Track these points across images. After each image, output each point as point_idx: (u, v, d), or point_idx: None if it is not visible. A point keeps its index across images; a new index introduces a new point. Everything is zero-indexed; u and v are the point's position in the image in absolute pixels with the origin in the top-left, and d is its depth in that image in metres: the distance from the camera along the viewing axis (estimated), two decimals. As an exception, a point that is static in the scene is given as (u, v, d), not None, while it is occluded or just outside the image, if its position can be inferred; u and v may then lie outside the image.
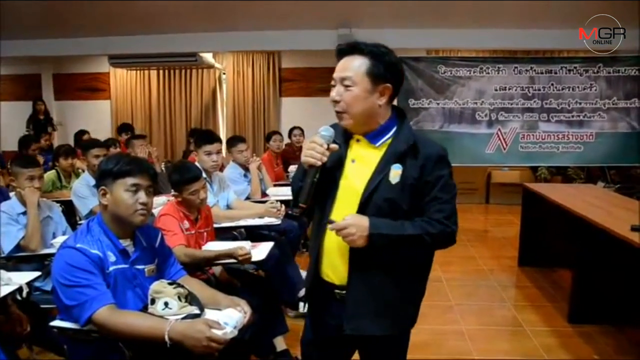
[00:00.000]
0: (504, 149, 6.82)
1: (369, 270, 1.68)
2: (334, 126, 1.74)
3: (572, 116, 6.66)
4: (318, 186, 1.68)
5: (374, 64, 1.64)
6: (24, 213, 3.09)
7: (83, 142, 5.85)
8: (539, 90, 6.69)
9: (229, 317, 1.82)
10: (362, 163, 1.72)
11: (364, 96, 1.65)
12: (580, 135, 6.66)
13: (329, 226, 1.62)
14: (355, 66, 1.65)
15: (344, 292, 1.73)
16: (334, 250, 1.73)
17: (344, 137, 1.75)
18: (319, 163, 1.64)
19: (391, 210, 1.65)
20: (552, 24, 6.04)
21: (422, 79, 6.66)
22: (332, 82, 1.70)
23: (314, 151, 1.64)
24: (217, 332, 1.70)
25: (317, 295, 1.83)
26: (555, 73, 6.66)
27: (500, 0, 5.62)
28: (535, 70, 6.71)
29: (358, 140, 1.74)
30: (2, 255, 3.01)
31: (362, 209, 1.66)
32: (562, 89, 6.65)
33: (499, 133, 6.77)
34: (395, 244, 1.63)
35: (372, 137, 1.72)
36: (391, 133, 1.72)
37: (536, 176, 8.32)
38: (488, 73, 6.76)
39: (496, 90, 6.74)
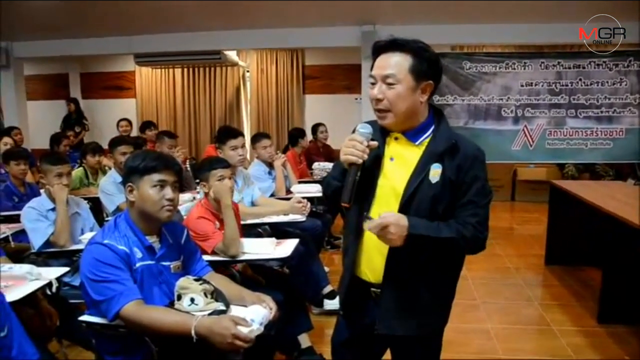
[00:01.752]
0: (531, 145, 6.68)
1: (404, 270, 1.67)
2: (370, 124, 1.70)
3: (601, 112, 6.50)
4: (357, 185, 1.65)
5: (417, 61, 1.61)
6: (53, 209, 3.14)
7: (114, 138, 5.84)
8: (567, 85, 6.54)
9: (255, 313, 1.82)
10: (401, 161, 1.69)
11: (408, 94, 1.61)
12: (610, 132, 6.49)
13: (367, 225, 1.57)
14: (397, 63, 1.61)
15: (379, 290, 1.72)
16: (373, 247, 1.71)
17: (381, 134, 1.71)
18: (360, 161, 1.61)
19: (431, 210, 1.63)
20: (579, 18, 5.91)
21: (447, 75, 6.56)
22: (372, 80, 1.66)
23: (355, 149, 1.61)
24: (243, 330, 1.70)
25: (353, 294, 1.81)
26: (584, 68, 6.50)
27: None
28: (562, 65, 6.56)
29: (396, 139, 1.71)
30: (32, 251, 3.08)
31: (403, 209, 1.63)
32: (591, 84, 6.49)
33: (525, 129, 6.64)
34: (431, 245, 1.61)
35: (412, 135, 1.69)
36: (430, 131, 1.69)
37: (563, 173, 8.19)
38: (514, 69, 6.63)
39: (522, 86, 6.61)
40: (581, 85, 6.52)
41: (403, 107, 1.62)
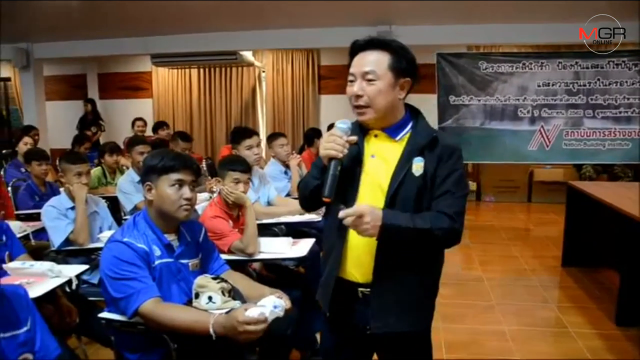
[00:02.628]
0: (547, 146, 6.63)
1: (394, 266, 1.66)
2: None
3: (619, 112, 6.43)
4: (338, 183, 1.64)
5: (396, 58, 1.65)
6: (73, 208, 3.19)
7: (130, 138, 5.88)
8: (584, 85, 6.48)
9: (267, 300, 1.78)
10: (382, 158, 1.70)
11: (388, 90, 1.65)
12: (628, 132, 6.41)
13: (341, 213, 1.55)
14: (377, 60, 1.65)
15: (368, 290, 1.70)
16: (360, 247, 1.69)
17: (360, 133, 1.73)
18: (341, 155, 1.62)
19: (416, 203, 1.63)
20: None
21: (463, 75, 6.54)
22: (351, 78, 1.70)
23: (335, 143, 1.63)
24: (253, 314, 1.67)
25: (338, 297, 1.76)
26: (602, 68, 6.43)
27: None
28: (580, 65, 6.50)
29: (376, 136, 1.74)
30: (52, 249, 3.13)
31: (389, 204, 1.63)
32: (609, 84, 6.42)
33: (542, 130, 6.59)
34: (406, 237, 1.59)
35: (392, 131, 1.71)
36: (409, 127, 1.72)
37: (580, 174, 8.11)
38: (531, 69, 6.58)
39: (539, 86, 6.56)
40: (599, 85, 6.46)
41: (383, 103, 1.65)
